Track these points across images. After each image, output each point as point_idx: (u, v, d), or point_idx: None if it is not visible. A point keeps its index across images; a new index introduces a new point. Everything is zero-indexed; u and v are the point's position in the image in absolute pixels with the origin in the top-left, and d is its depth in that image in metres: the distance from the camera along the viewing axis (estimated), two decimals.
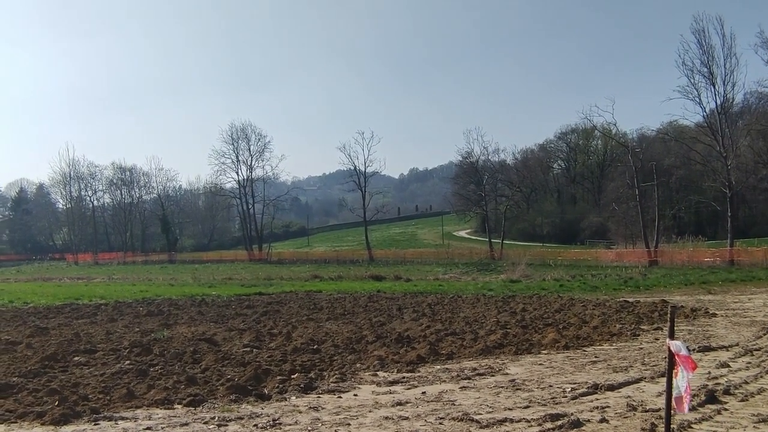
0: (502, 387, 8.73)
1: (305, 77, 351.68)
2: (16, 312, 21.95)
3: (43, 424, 6.95)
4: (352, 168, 75.81)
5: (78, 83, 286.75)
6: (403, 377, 9.62)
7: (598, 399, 7.86)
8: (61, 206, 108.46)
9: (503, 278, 39.54)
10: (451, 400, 7.96)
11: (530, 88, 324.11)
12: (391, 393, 8.54)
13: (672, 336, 5.28)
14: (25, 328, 16.85)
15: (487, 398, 8.05)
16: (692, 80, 46.56)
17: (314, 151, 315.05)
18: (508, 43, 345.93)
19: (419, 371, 10.14)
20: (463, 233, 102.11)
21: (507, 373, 9.82)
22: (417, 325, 16.33)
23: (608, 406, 7.40)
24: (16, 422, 7.10)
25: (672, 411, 5.45)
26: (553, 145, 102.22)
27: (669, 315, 5.34)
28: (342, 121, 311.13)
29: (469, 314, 19.17)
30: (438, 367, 10.54)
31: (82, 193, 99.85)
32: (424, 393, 8.44)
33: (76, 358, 11.67)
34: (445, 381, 9.28)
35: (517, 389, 8.57)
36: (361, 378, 9.63)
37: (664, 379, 8.71)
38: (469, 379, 9.38)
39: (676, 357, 5.10)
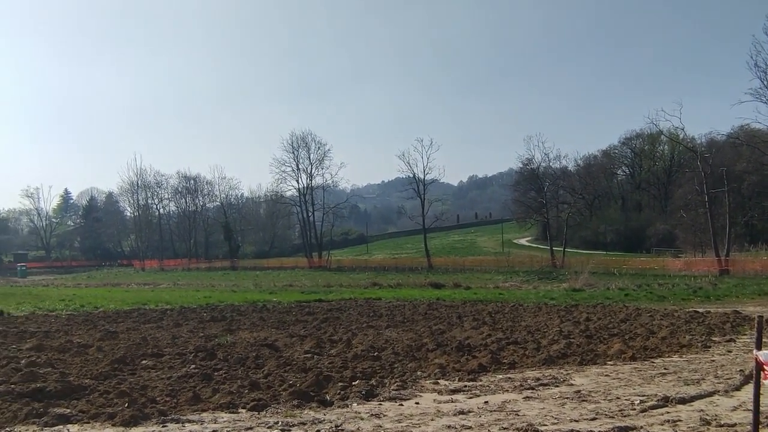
0: (567, 398, 8.50)
1: (365, 85, 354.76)
2: (87, 316, 22.81)
3: (113, 425, 7.14)
4: (411, 175, 75.59)
5: (146, 95, 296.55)
6: (465, 386, 9.49)
7: (668, 412, 7.55)
8: (128, 214, 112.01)
9: (565, 287, 38.75)
10: (515, 411, 7.79)
11: (593, 93, 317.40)
12: (452, 401, 8.44)
13: (759, 346, 5.07)
14: (96, 331, 17.44)
15: (551, 409, 7.84)
16: (765, 82, 44.87)
17: (373, 158, 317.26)
18: (571, 48, 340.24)
19: (481, 380, 9.99)
20: (523, 241, 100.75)
21: (572, 384, 9.56)
22: (477, 333, 16.14)
23: (680, 420, 7.10)
24: (89, 422, 7.32)
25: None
26: (617, 151, 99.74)
27: (756, 325, 5.14)
28: (401, 128, 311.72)
29: (530, 323, 18.85)
30: (500, 376, 10.36)
31: (149, 201, 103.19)
32: (486, 402, 8.29)
33: (144, 362, 11.99)
34: (507, 390, 9.10)
35: (583, 400, 8.32)
36: (422, 386, 9.54)
37: (739, 393, 8.43)
38: (533, 389, 9.17)
39: (764, 367, 4.90)
